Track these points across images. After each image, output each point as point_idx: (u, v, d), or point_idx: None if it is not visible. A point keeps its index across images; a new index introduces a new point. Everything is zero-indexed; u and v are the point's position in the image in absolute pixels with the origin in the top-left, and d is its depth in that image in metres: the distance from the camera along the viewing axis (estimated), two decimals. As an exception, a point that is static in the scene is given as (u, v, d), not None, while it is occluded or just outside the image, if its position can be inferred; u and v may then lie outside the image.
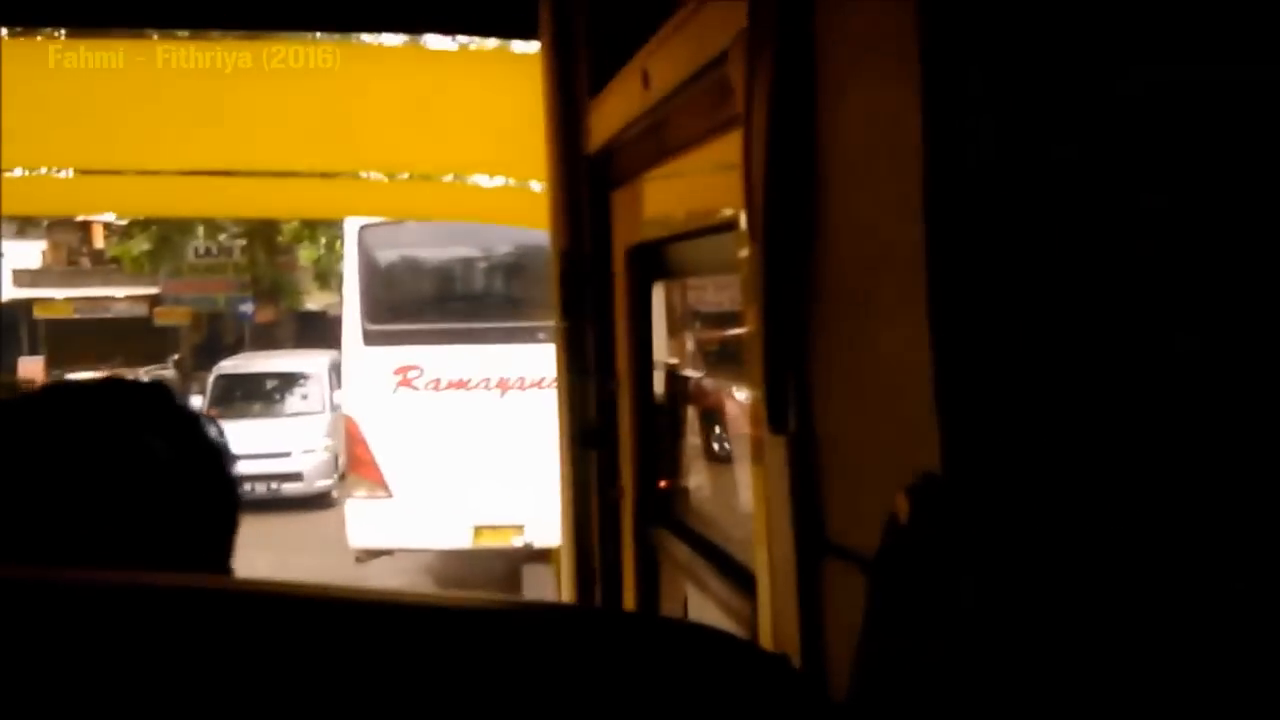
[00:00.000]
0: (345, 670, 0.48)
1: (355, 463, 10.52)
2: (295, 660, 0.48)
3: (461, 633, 0.50)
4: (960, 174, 0.82)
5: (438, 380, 10.21)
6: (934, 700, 0.83)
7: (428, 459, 10.01)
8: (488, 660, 0.49)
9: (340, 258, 26.72)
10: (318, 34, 4.06)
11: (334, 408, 16.80)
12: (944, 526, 0.82)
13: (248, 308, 27.07)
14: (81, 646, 0.47)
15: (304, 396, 17.53)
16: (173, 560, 0.83)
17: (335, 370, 18.04)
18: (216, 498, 0.93)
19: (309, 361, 18.71)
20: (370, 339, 10.53)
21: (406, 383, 10.26)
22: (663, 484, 2.39)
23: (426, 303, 10.94)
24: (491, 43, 4.29)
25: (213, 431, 0.98)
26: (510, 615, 0.53)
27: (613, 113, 2.16)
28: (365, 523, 10.42)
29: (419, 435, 10.07)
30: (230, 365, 19.40)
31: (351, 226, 10.78)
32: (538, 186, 4.45)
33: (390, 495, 10.23)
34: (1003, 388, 0.81)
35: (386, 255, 10.90)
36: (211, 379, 18.30)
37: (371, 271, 10.77)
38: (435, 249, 11.04)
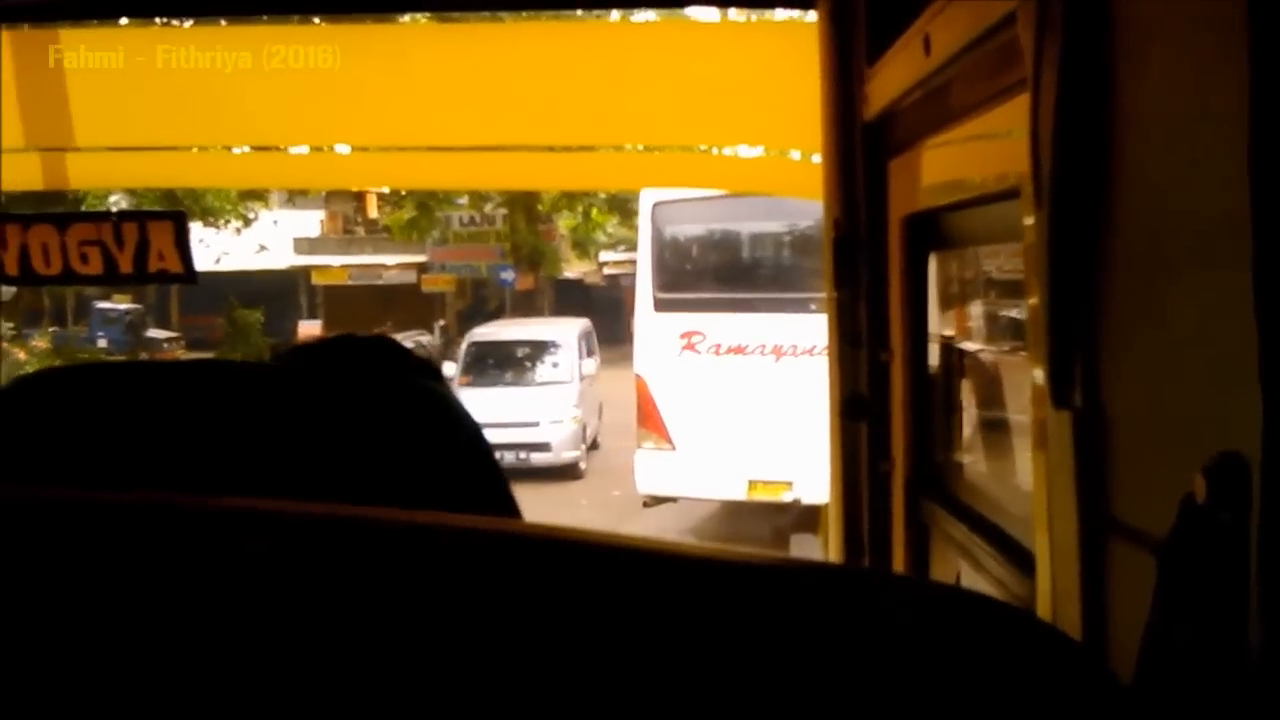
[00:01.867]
0: (619, 618, 0.48)
1: (643, 418, 11.31)
2: (568, 605, 0.48)
3: (735, 586, 0.50)
4: None
5: (718, 345, 10.90)
6: (1228, 692, 0.79)
7: (707, 417, 10.74)
8: (761, 616, 0.48)
9: (596, 226, 27.53)
10: (578, 11, 4.12)
11: (583, 377, 17.08)
12: (1247, 508, 0.78)
13: (508, 275, 27.75)
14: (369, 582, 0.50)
15: (554, 365, 17.65)
16: (450, 503, 0.84)
17: (585, 339, 18.27)
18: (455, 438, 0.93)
19: (559, 330, 18.90)
20: (659, 306, 11.30)
21: (690, 347, 11.00)
22: (937, 458, 2.35)
23: (711, 273, 11.70)
24: (751, 13, 4.25)
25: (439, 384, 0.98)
26: (785, 573, 0.52)
27: (891, 80, 2.13)
28: (651, 472, 11.26)
29: (700, 395, 10.81)
30: (482, 333, 19.66)
31: (646, 202, 11.55)
32: (797, 155, 4.43)
33: (673, 448, 11.02)
34: None
35: (676, 229, 11.62)
36: (464, 346, 18.58)
37: (662, 244, 11.50)
38: (719, 223, 11.69)
